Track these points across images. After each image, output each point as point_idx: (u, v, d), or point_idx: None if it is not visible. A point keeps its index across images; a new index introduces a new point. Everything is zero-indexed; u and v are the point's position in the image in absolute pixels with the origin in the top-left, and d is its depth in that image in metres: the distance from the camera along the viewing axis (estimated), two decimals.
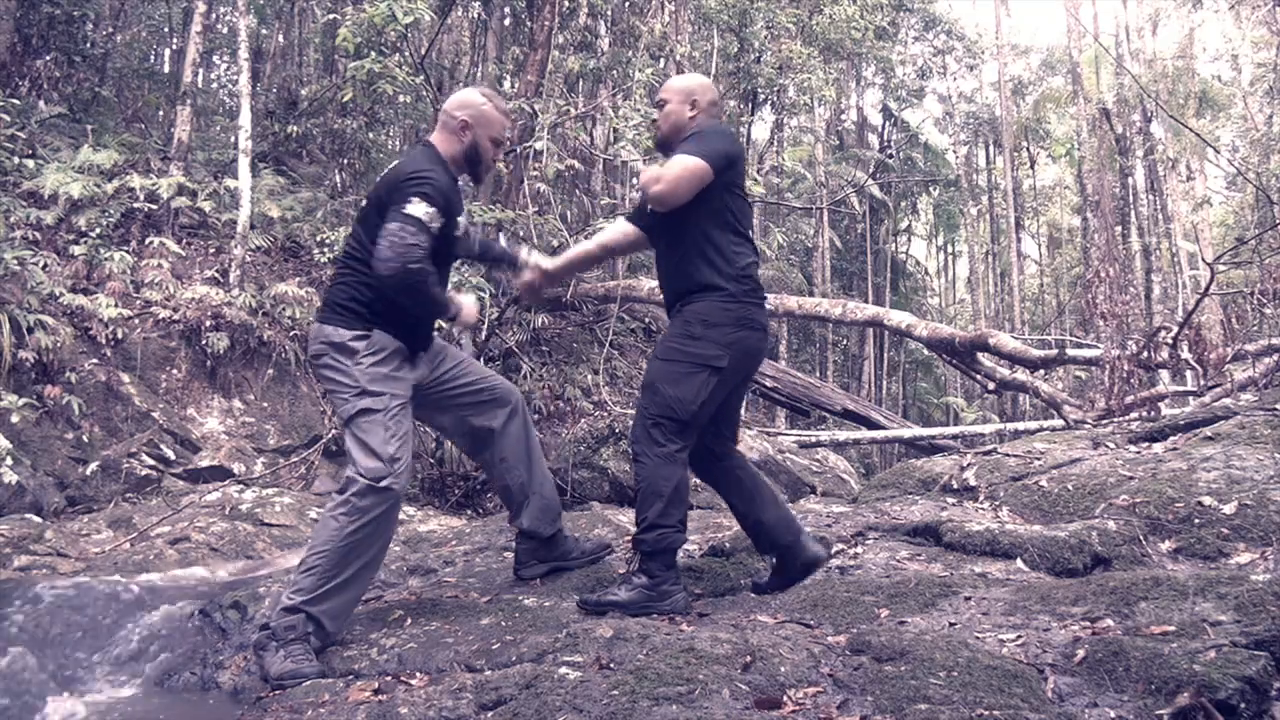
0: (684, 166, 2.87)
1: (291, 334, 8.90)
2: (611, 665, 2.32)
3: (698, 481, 3.40)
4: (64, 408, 7.01)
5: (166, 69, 15.89)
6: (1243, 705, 1.82)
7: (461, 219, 3.15)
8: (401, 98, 12.25)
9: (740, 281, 2.94)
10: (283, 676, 2.67)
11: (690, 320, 2.92)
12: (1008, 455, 4.59)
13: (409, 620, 3.03)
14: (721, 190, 2.95)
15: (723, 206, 2.96)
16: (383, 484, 2.87)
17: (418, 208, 2.84)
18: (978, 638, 2.34)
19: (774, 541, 3.08)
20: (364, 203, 3.14)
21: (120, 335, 7.85)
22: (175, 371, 8.23)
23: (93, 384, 7.47)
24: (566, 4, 13.34)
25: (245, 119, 9.60)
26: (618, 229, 3.35)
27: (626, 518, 4.56)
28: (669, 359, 2.91)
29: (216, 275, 9.01)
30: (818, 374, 21.04)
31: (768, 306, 3.09)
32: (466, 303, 3.06)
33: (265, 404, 8.55)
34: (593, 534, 4.06)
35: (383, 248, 2.81)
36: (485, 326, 8.06)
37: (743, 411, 3.70)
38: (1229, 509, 3.10)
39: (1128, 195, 24.42)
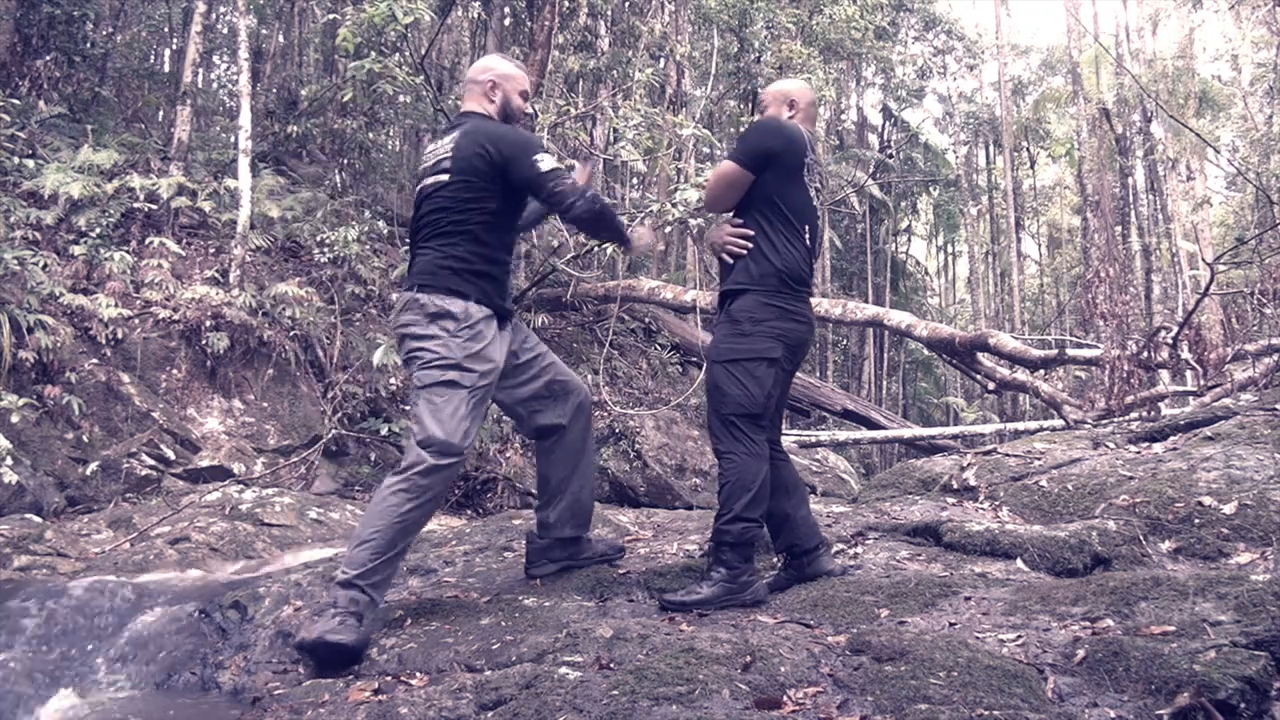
0: (718, 173, 3.05)
1: (291, 334, 8.90)
2: (611, 665, 2.32)
3: (698, 482, 3.41)
4: (64, 408, 7.01)
5: (166, 69, 15.88)
6: (1243, 705, 1.81)
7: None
8: (401, 98, 12.26)
9: (781, 276, 3.01)
10: (327, 639, 2.70)
11: (738, 319, 3.00)
12: (1008, 455, 4.60)
13: (409, 620, 3.03)
14: (771, 184, 3.01)
15: (774, 199, 3.02)
16: (446, 460, 2.88)
17: (548, 160, 3.04)
18: (978, 638, 2.34)
19: (796, 541, 3.11)
20: (446, 174, 3.09)
21: (120, 335, 7.85)
22: (175, 371, 8.23)
23: (93, 384, 7.47)
24: (566, 4, 13.34)
25: (245, 119, 9.60)
26: None
27: (627, 518, 4.56)
28: (728, 360, 2.99)
29: (216, 275, 9.01)
30: (818, 374, 21.04)
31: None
32: (641, 231, 3.36)
33: (265, 404, 8.55)
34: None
35: (561, 196, 3.02)
36: None
37: None
38: (1229, 509, 3.10)
39: (1128, 195, 24.42)
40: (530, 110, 3.46)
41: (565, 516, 3.34)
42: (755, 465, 2.92)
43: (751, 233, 3.03)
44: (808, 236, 3.07)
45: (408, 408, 3.30)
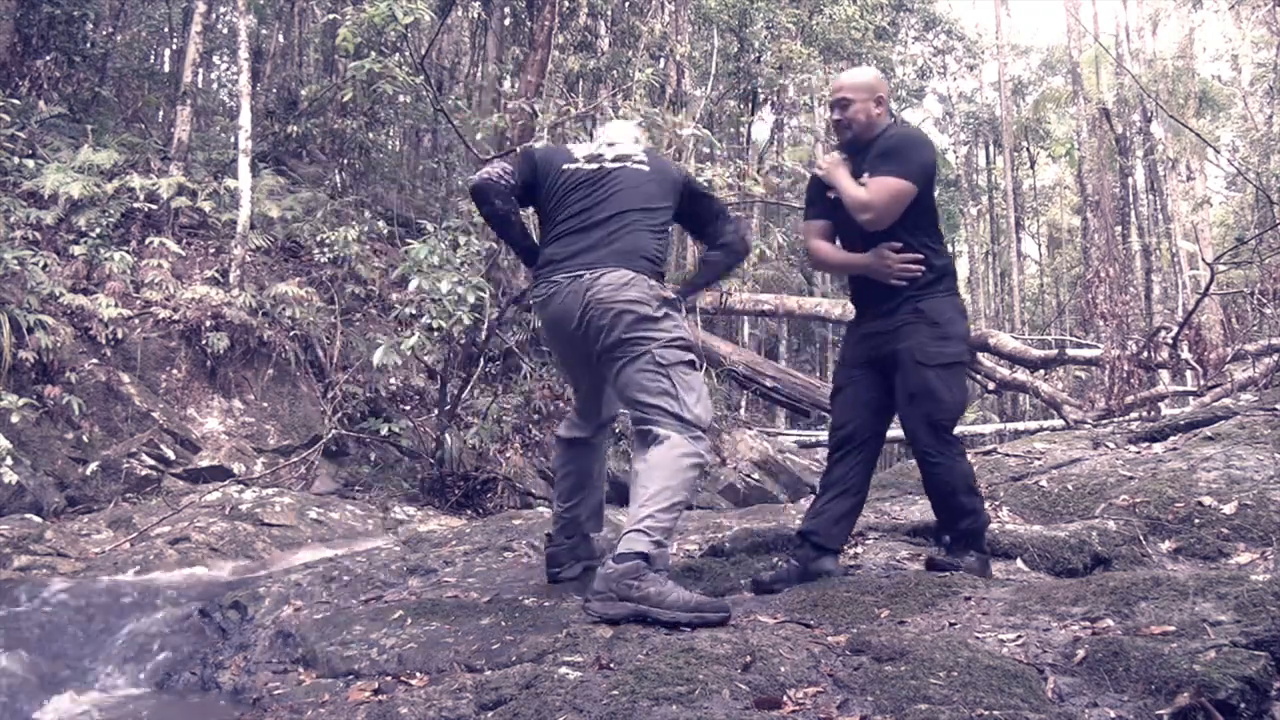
0: (891, 193, 2.97)
1: (291, 334, 8.90)
2: (611, 665, 2.32)
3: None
4: (64, 408, 7.01)
5: (166, 69, 15.87)
6: (1243, 705, 1.81)
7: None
8: (401, 98, 12.26)
9: (952, 276, 3.12)
10: (692, 607, 2.63)
11: (938, 321, 2.99)
12: (1008, 455, 4.60)
13: (409, 620, 3.03)
14: (927, 193, 3.08)
15: (926, 209, 3.08)
16: (704, 435, 2.90)
17: None
18: (978, 638, 2.34)
19: (819, 531, 3.11)
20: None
21: (120, 335, 7.85)
22: (175, 371, 8.23)
23: (93, 384, 7.47)
24: (566, 4, 13.34)
25: (245, 119, 9.60)
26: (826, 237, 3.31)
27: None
28: (940, 364, 2.96)
29: (216, 275, 9.01)
30: (818, 374, 21.02)
31: (769, 306, 3.16)
32: None
33: (265, 404, 8.55)
34: None
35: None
36: (485, 327, 8.05)
37: (742, 412, 3.72)
38: (1229, 509, 3.10)
39: (1128, 195, 24.40)
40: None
41: (594, 514, 3.42)
42: (965, 465, 3.00)
43: (920, 256, 3.02)
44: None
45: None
